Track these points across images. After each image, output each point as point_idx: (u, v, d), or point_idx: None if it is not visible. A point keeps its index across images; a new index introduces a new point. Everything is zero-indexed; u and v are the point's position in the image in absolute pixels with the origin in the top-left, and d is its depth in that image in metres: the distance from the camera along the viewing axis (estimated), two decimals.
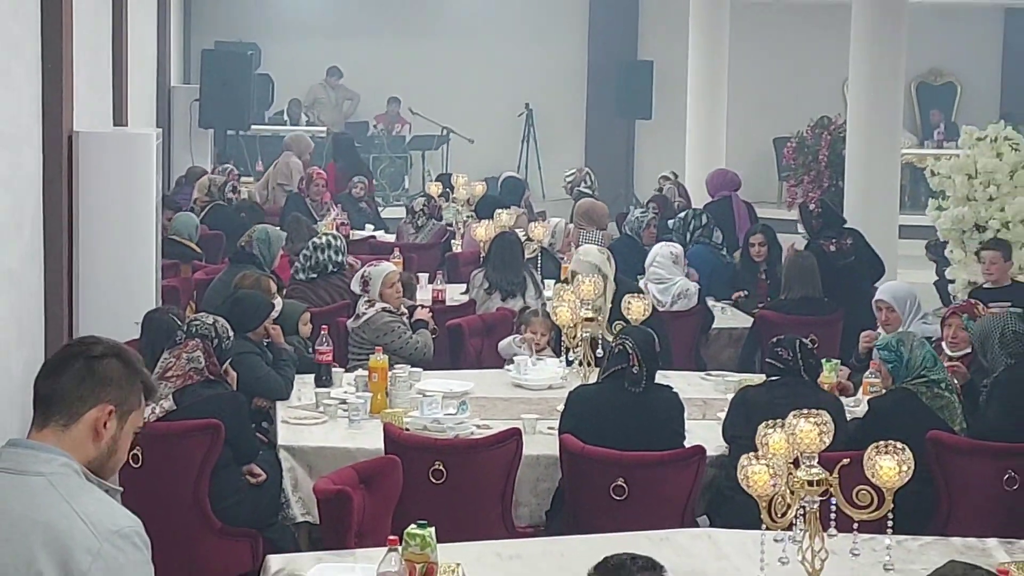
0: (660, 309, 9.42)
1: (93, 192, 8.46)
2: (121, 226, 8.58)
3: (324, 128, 20.86)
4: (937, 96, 22.32)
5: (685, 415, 6.83)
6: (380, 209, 16.37)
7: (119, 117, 11.41)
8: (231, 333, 6.90)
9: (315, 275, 9.84)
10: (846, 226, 10.80)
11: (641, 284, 9.87)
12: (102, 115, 10.52)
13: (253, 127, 19.08)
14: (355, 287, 8.91)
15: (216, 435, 6.45)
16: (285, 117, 21.14)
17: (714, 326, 10.20)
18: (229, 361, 6.89)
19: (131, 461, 6.42)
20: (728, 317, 10.53)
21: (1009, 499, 6.54)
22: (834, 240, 10.53)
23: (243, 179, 16.38)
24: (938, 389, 6.80)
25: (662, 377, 6.97)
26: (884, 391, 7.05)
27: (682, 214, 11.92)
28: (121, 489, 3.46)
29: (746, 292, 10.96)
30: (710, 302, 10.41)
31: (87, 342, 3.36)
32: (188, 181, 15.01)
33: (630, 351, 6.65)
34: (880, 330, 8.50)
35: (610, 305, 8.47)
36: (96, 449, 3.29)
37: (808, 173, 15.30)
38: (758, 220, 13.38)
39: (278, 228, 10.98)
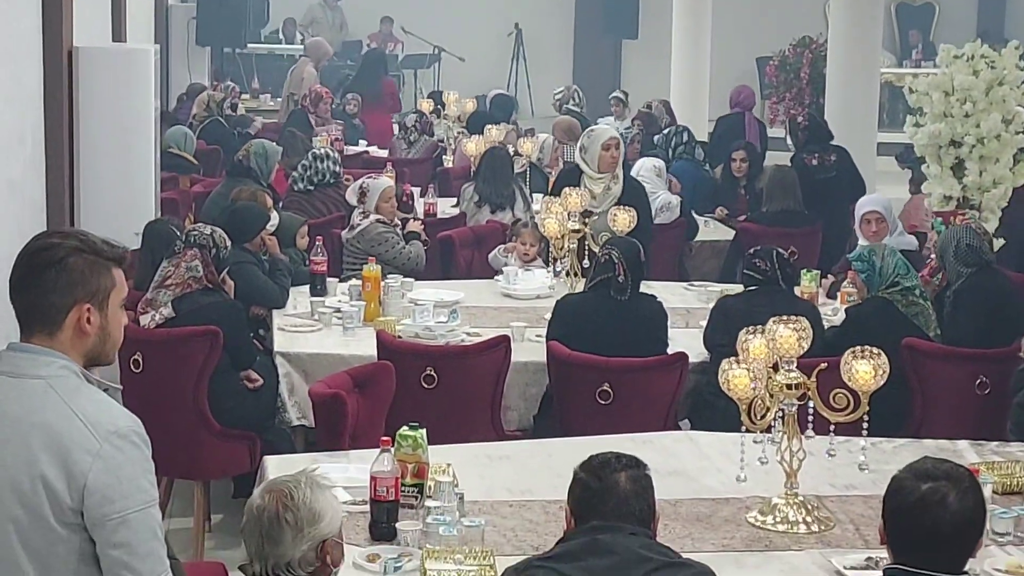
0: None
1: (93, 106, 8.40)
2: (121, 139, 8.54)
3: None
4: (915, 16, 22.20)
5: (668, 323, 6.84)
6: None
7: (118, 33, 11.31)
8: (228, 243, 6.87)
9: (312, 186, 9.82)
10: (832, 143, 10.74)
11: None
12: (101, 31, 10.43)
13: (249, 45, 18.94)
14: (351, 198, 8.88)
15: (215, 341, 6.45)
16: (280, 36, 20.97)
17: (696, 238, 10.20)
18: (227, 271, 6.87)
19: (132, 366, 6.44)
20: (710, 230, 10.53)
21: (980, 403, 6.57)
22: (817, 155, 10.49)
23: (241, 96, 16.27)
24: (912, 296, 6.81)
25: (646, 287, 6.97)
26: (861, 300, 7.05)
27: (666, 130, 11.88)
28: (120, 387, 3.45)
29: (727, 211, 10.94)
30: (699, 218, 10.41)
31: (44, 247, 3.24)
32: (189, 97, 14.91)
33: (616, 261, 6.65)
34: (862, 242, 8.47)
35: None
36: (88, 343, 3.26)
37: (790, 91, 15.26)
38: (767, 139, 13.42)
39: (275, 143, 10.93)
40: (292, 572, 3.55)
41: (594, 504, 3.66)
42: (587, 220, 7.96)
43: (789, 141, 11.54)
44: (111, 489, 3.12)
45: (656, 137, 11.97)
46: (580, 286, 7.29)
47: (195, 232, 6.83)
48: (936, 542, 3.39)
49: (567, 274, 7.71)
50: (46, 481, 3.13)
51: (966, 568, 3.46)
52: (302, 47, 20.70)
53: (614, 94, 15.29)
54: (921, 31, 21.85)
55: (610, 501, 3.63)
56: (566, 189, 8.21)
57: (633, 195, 8.47)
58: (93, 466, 3.12)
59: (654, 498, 3.69)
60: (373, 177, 9.06)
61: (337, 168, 9.95)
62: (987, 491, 4.68)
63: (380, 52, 18.14)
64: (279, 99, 18.66)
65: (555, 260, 7.91)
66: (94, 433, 3.14)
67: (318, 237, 8.21)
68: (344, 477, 4.87)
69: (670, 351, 6.62)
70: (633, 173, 10.28)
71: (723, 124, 13.86)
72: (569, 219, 7.74)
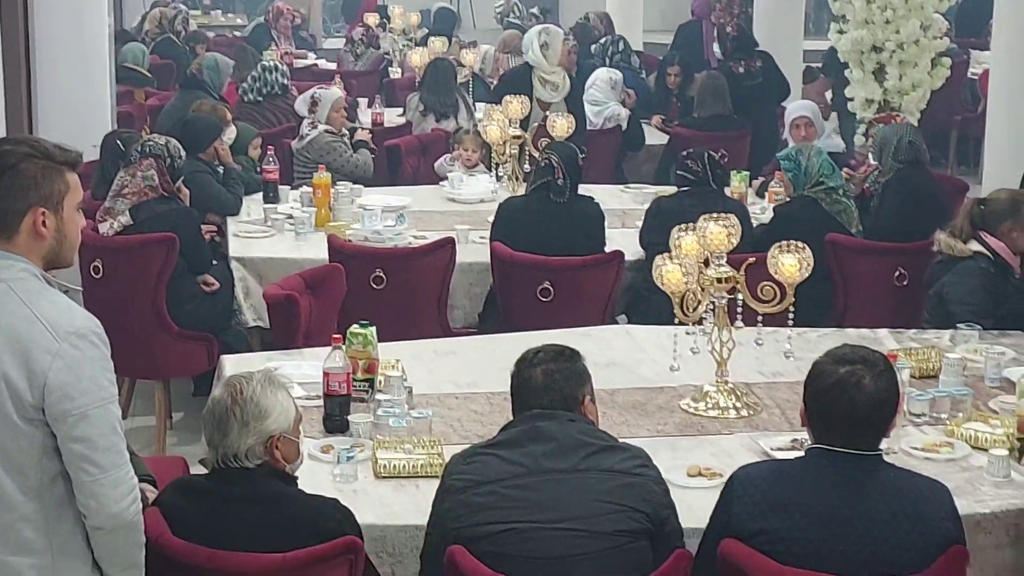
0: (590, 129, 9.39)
1: (47, 23, 8.28)
2: (76, 55, 8.43)
3: None
4: None
5: (606, 224, 6.85)
6: (324, 39, 16.11)
7: None
8: (183, 153, 6.79)
9: (261, 97, 9.72)
10: (758, 49, 10.72)
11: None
12: None
13: None
14: (300, 108, 8.78)
15: (172, 247, 6.40)
16: None
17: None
18: (182, 179, 6.79)
19: (92, 272, 6.39)
20: (646, 134, 10.51)
21: (899, 293, 6.64)
22: (743, 62, 10.45)
23: (191, 12, 16.01)
24: (836, 195, 6.85)
25: (585, 190, 6.96)
26: (788, 199, 7.08)
27: (602, 40, 11.79)
28: (80, 288, 3.43)
29: (663, 116, 10.92)
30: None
31: None
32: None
33: (555, 164, 6.64)
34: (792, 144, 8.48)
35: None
36: (45, 246, 3.23)
37: (720, 1, 15.15)
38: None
39: (226, 57, 10.80)
40: (239, 462, 3.57)
41: (515, 396, 3.70)
42: (546, 112, 8.00)
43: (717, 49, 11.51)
44: (70, 387, 3.12)
45: (593, 47, 11.89)
46: (522, 190, 7.27)
47: (150, 142, 6.74)
48: (852, 422, 3.44)
49: (509, 178, 7.70)
50: (8, 379, 3.11)
51: (882, 446, 3.51)
52: None
53: (531, 10, 15.16)
54: None
55: (525, 394, 3.67)
56: (507, 97, 8.17)
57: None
58: (53, 365, 3.11)
59: (579, 387, 3.70)
60: (324, 87, 8.97)
61: (285, 80, 9.85)
62: (905, 375, 4.76)
63: None
64: (230, 15, 18.44)
65: (497, 165, 7.88)
66: (54, 333, 3.13)
67: (269, 147, 8.14)
68: (299, 374, 4.88)
69: (607, 250, 6.63)
70: (589, 82, 10.21)
71: (683, 32, 13.84)
72: (510, 126, 7.70)
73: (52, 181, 3.21)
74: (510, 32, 13.07)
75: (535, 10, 15.17)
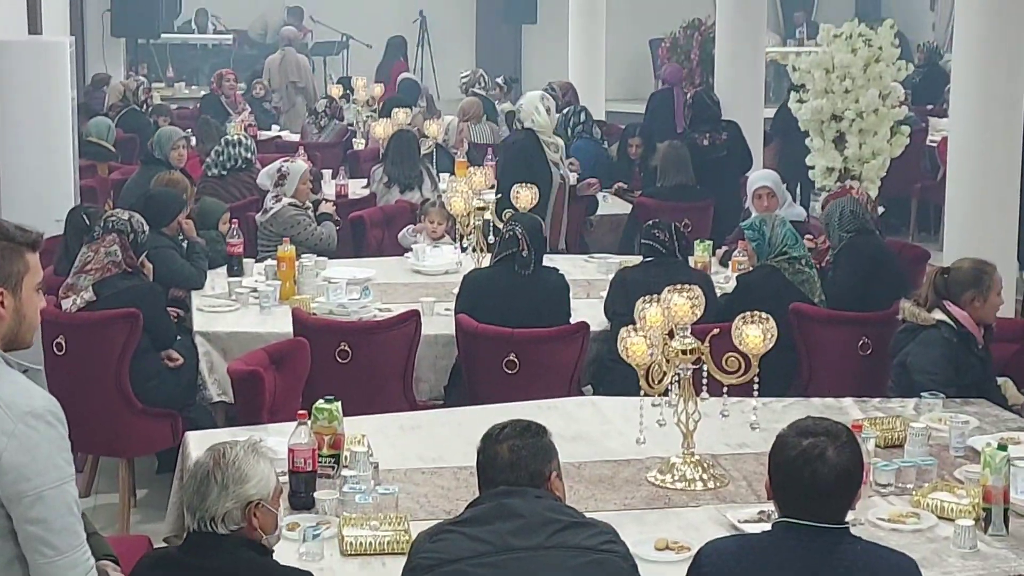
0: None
1: (11, 98, 8.30)
2: (39, 130, 8.44)
3: (230, 36, 20.54)
4: None
5: (571, 295, 6.87)
6: (287, 111, 16.17)
7: (34, 26, 11.10)
8: (146, 228, 6.78)
9: (225, 171, 9.71)
10: (724, 120, 10.76)
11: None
12: (17, 24, 10.26)
13: (163, 35, 18.70)
14: (264, 182, 8.77)
15: (135, 323, 6.38)
16: (193, 26, 20.74)
17: (597, 213, 10.22)
18: (145, 254, 6.79)
19: (55, 349, 6.35)
20: (609, 204, 10.57)
21: (863, 363, 6.66)
22: (708, 134, 10.49)
23: (154, 85, 16.07)
24: (799, 265, 6.89)
25: (549, 261, 6.98)
26: (751, 268, 7.12)
27: (564, 111, 11.86)
28: (40, 368, 3.41)
29: (625, 184, 10.99)
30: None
31: None
32: (96, 86, 14.71)
33: (519, 236, 6.66)
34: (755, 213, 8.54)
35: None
36: (3, 327, 3.21)
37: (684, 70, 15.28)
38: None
39: (173, 127, 10.80)
40: (215, 527, 3.57)
41: (481, 472, 3.70)
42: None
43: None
44: (26, 467, 3.10)
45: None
46: (486, 261, 7.29)
47: (113, 218, 6.74)
48: (817, 494, 3.44)
49: (473, 250, 7.71)
50: None
51: (848, 518, 3.51)
52: (215, 36, 20.55)
53: (496, 80, 15.27)
54: (805, 10, 22.01)
55: (491, 470, 3.66)
56: (470, 169, 8.21)
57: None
58: (8, 445, 3.09)
59: (546, 463, 3.69)
60: (290, 160, 8.97)
61: (249, 154, 9.83)
62: (870, 445, 4.78)
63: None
64: (194, 87, 18.48)
65: (462, 237, 7.90)
66: (9, 414, 3.11)
67: (234, 220, 8.15)
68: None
69: (573, 321, 6.64)
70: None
71: (655, 99, 13.98)
72: (474, 197, 7.73)
73: (11, 262, 3.21)
74: (469, 100, 13.16)
75: (500, 80, 15.26)
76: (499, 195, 7.95)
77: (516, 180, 8.20)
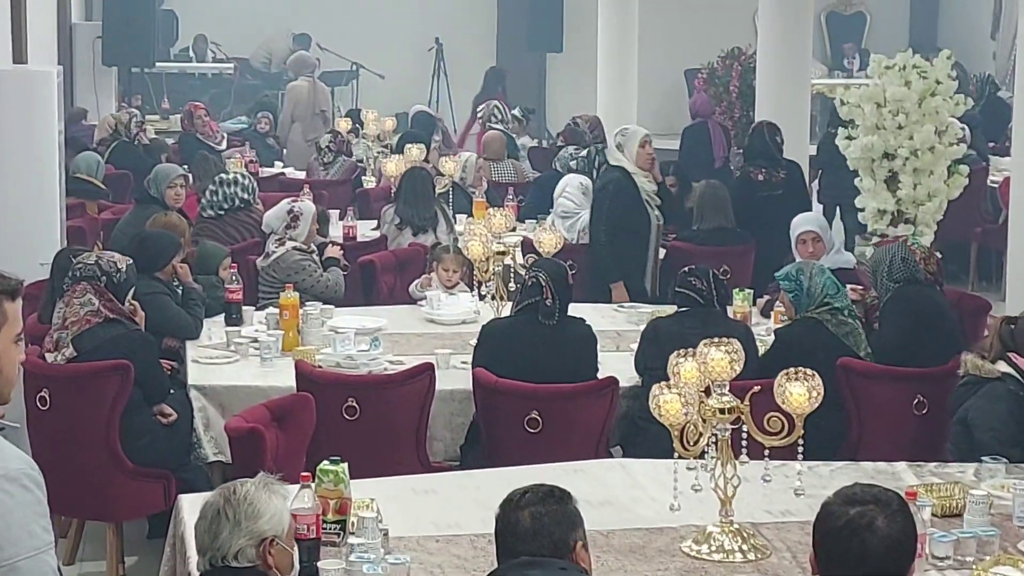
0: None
1: None
2: (23, 166, 8.48)
3: (231, 64, 20.65)
4: (847, 25, 22.40)
5: (598, 347, 6.87)
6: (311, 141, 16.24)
7: (19, 54, 11.21)
8: (121, 266, 6.73)
9: (222, 212, 9.73)
10: (785, 158, 10.69)
11: (548, 221, 9.88)
12: (0, 52, 10.34)
13: (158, 64, 18.81)
14: (273, 223, 8.77)
15: (125, 376, 6.40)
16: (191, 53, 20.87)
17: None
18: (134, 297, 6.78)
19: (38, 403, 6.38)
20: None
21: (918, 423, 6.64)
22: (764, 169, 10.41)
23: (148, 117, 16.16)
24: (842, 316, 6.87)
25: (574, 310, 6.99)
26: (790, 321, 7.11)
27: (584, 151, 11.87)
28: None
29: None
30: None
31: None
32: (72, 120, 14.78)
33: (543, 284, 6.67)
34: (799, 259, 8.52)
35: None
36: None
37: (719, 104, 15.34)
38: (731, 142, 13.61)
39: (170, 163, 10.84)
40: (228, 564, 3.60)
41: (500, 541, 3.69)
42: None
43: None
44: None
45: (573, 161, 11.85)
46: (506, 310, 7.31)
47: (79, 266, 6.70)
48: (865, 568, 3.43)
49: (493, 298, 7.72)
50: None
51: None
52: (215, 65, 20.67)
53: (512, 112, 15.35)
54: (853, 40, 22.06)
55: (511, 539, 3.65)
56: (489, 210, 8.24)
57: None
58: None
59: (571, 531, 3.69)
60: (296, 200, 9.00)
61: (246, 195, 9.81)
62: (925, 514, 4.76)
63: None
64: None
65: (480, 284, 7.93)
66: None
67: (232, 264, 8.18)
68: None
69: (600, 376, 6.65)
70: (558, 191, 10.31)
71: (689, 135, 14.03)
72: (493, 241, 7.75)
73: None
74: (492, 134, 13.21)
75: (516, 112, 15.31)
76: (599, 240, 7.96)
77: (612, 224, 8.22)
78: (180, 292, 7.71)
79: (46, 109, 8.65)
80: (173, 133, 16.58)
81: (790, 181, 10.38)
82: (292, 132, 16.07)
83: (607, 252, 8.86)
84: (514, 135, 14.64)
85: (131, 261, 6.84)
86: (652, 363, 6.53)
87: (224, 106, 19.80)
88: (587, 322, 6.89)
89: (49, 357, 6.53)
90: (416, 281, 8.82)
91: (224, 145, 13.82)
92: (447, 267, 8.57)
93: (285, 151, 15.55)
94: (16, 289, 3.29)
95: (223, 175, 10.06)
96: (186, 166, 11.46)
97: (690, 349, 4.82)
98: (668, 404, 4.68)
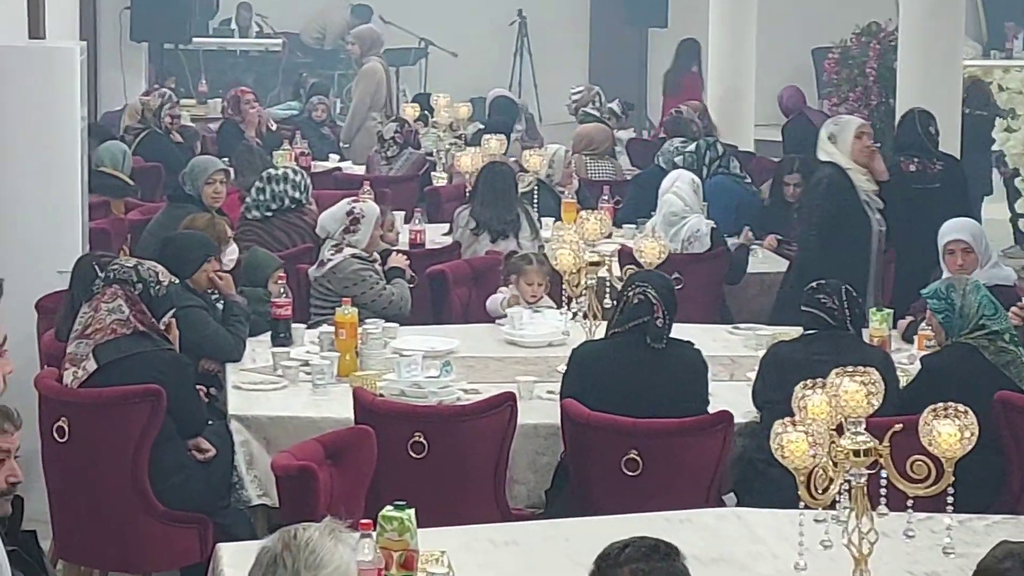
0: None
1: (6, 116, 8.43)
2: (40, 157, 8.55)
3: (279, 40, 20.77)
4: None
5: (709, 375, 6.86)
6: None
7: (35, 29, 11.34)
8: (162, 278, 6.80)
9: (270, 213, 9.79)
10: (941, 151, 10.55)
11: (649, 225, 9.86)
12: (15, 26, 10.47)
13: (195, 40, 18.99)
14: (329, 226, 8.82)
15: (156, 403, 6.45)
16: (233, 26, 21.03)
17: (745, 271, 10.19)
18: (172, 314, 6.84)
19: (56, 434, 6.45)
20: (759, 260, 10.54)
21: None
22: (917, 159, 10.30)
23: (183, 102, 16.30)
24: (1002, 342, 6.80)
25: (679, 331, 6.98)
26: (939, 347, 7.06)
27: (691, 146, 11.85)
28: None
29: (780, 236, 10.95)
30: (735, 242, 10.37)
31: None
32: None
33: (654, 301, 6.66)
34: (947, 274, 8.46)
35: None
36: None
37: (854, 89, 15.26)
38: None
39: (208, 156, 10.92)
40: None
41: None
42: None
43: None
44: None
45: (677, 157, 11.83)
46: (601, 331, 7.30)
47: (115, 266, 6.80)
48: None
49: (585, 316, 7.72)
50: None
51: None
52: (260, 41, 20.81)
53: (609, 104, 15.32)
54: (1014, 19, 21.83)
55: None
56: (582, 213, 8.24)
57: None
58: None
59: None
60: (357, 200, 9.04)
61: (297, 193, 9.86)
62: None
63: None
64: None
65: (570, 300, 7.92)
66: None
67: (281, 275, 8.22)
68: None
69: (711, 409, 6.63)
70: (664, 189, 10.26)
71: (791, 132, 14.04)
72: (586, 249, 7.75)
73: None
74: (592, 126, 13.19)
75: (615, 105, 15.27)
76: (809, 247, 7.97)
77: (825, 229, 8.26)
78: (220, 307, 7.76)
79: (67, 91, 8.72)
80: (211, 120, 16.72)
81: (948, 175, 10.23)
82: (367, 123, 15.97)
83: (818, 263, 8.74)
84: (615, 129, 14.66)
85: (176, 280, 6.91)
86: (773, 395, 6.50)
87: (271, 88, 19.92)
88: (695, 346, 6.88)
89: (66, 377, 6.58)
90: (498, 297, 8.78)
91: (296, 148, 13.84)
92: (530, 280, 8.58)
93: (349, 146, 15.56)
94: None
95: (271, 171, 10.12)
96: (226, 159, 11.55)
97: (819, 379, 4.81)
98: (792, 444, 4.66)
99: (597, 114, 14.52)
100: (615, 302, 7.02)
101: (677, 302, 6.86)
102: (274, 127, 14.24)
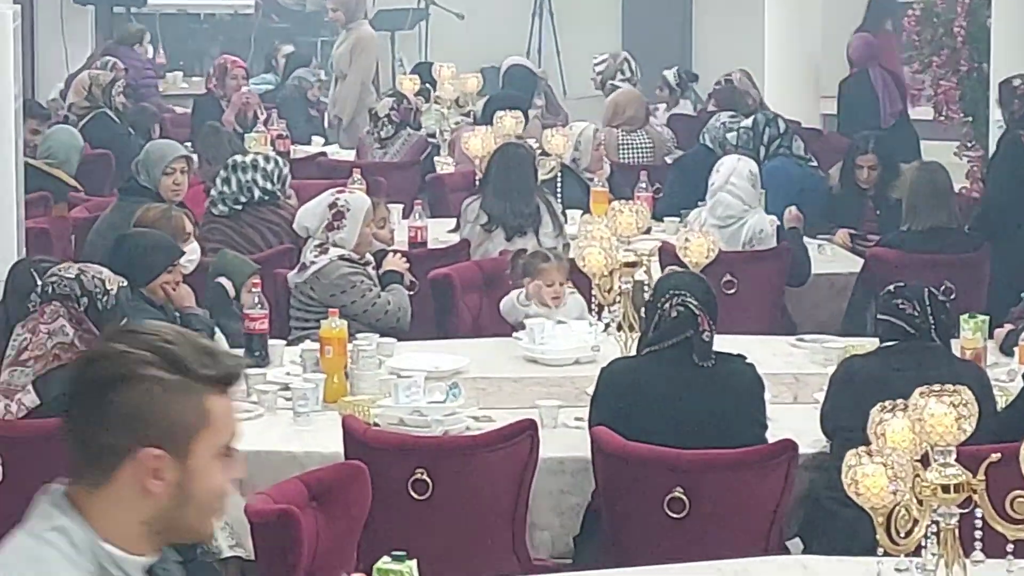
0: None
1: None
2: None
3: (251, 1, 20.79)
4: None
5: (768, 396, 6.86)
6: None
7: None
8: (110, 285, 6.78)
9: (238, 207, 9.79)
10: None
11: (693, 217, 9.87)
12: None
13: (150, 3, 19.03)
14: (308, 222, 8.83)
15: None
16: None
17: (810, 271, 10.18)
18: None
19: None
20: (827, 257, 10.54)
21: None
22: None
23: None
24: None
25: (732, 343, 6.98)
26: None
27: (747, 121, 11.85)
28: None
29: (853, 230, 10.95)
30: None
31: None
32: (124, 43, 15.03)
33: (696, 312, 6.66)
34: None
35: None
36: (159, 505, 3.21)
37: (939, 52, 15.25)
38: (904, 99, 13.64)
39: (167, 140, 10.93)
40: None
41: None
42: None
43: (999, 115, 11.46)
44: None
45: (730, 133, 11.86)
46: (635, 344, 7.31)
47: (54, 278, 6.77)
48: None
49: (619, 327, 7.73)
50: None
51: None
52: (227, 2, 20.81)
53: (665, 73, 15.30)
54: None
55: None
56: (614, 203, 8.23)
57: None
58: None
59: None
60: (342, 191, 9.03)
61: (269, 184, 9.87)
62: None
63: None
64: (196, 78, 18.74)
65: (601, 308, 7.93)
66: None
67: (255, 282, 8.22)
68: None
69: (771, 438, 6.64)
70: (715, 185, 10.18)
71: (847, 91, 14.12)
72: (621, 247, 7.76)
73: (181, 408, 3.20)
74: (618, 92, 13.18)
75: (670, 74, 15.23)
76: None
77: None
78: (178, 320, 7.76)
79: None
80: (170, 96, 16.74)
81: None
82: (362, 102, 15.96)
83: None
84: (662, 105, 14.67)
85: (124, 283, 6.89)
86: (845, 421, 6.50)
87: (242, 57, 19.92)
88: (748, 360, 6.88)
89: None
90: (514, 295, 8.71)
91: (271, 131, 13.82)
92: (550, 279, 8.53)
93: (348, 129, 15.57)
94: (233, 374, 3.28)
95: (237, 157, 10.10)
96: (190, 144, 11.58)
97: (899, 400, 4.81)
98: (869, 479, 4.67)
99: (626, 87, 14.54)
100: (647, 314, 6.98)
101: (717, 306, 6.85)
102: (262, 116, 14.11)
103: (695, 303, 6.68)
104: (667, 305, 6.75)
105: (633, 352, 7.28)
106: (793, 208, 10.48)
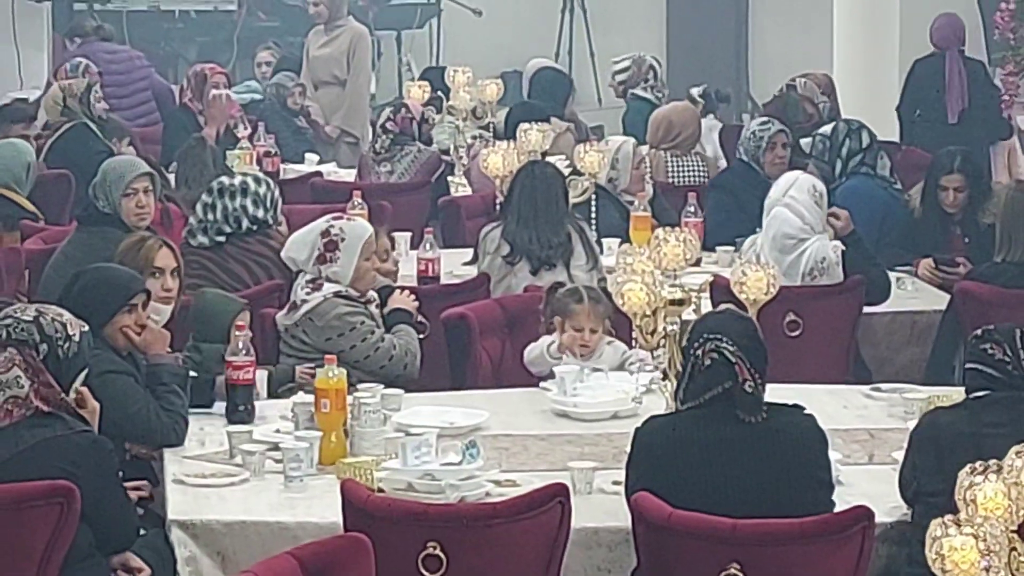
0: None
1: None
2: None
3: None
4: None
5: (837, 456, 6.85)
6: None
7: None
8: (71, 330, 6.79)
9: (221, 237, 9.81)
10: None
11: (748, 245, 9.88)
12: None
13: None
14: (297, 254, 8.83)
15: (67, 505, 6.46)
16: None
17: (887, 308, 10.18)
18: (84, 378, 6.85)
19: None
20: (908, 293, 10.54)
21: None
22: None
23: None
24: None
25: (795, 393, 6.97)
26: None
27: (826, 128, 11.86)
28: None
29: (937, 259, 10.95)
30: None
31: None
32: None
33: (732, 359, 6.65)
34: None
35: None
36: None
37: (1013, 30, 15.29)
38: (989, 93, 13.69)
39: (126, 156, 10.95)
40: None
41: None
42: None
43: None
44: None
45: (805, 141, 11.88)
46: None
47: (8, 320, 6.78)
48: None
49: (664, 376, 7.74)
50: None
51: None
52: (208, 0, 20.84)
53: (692, 90, 15.27)
54: None
55: None
56: (659, 231, 8.24)
57: None
58: None
59: None
60: (339, 217, 9.02)
61: (261, 211, 9.89)
62: None
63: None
64: (171, 85, 18.80)
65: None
66: None
67: (238, 323, 8.23)
68: None
69: (839, 504, 6.64)
70: (773, 196, 10.15)
71: (918, 73, 14.29)
72: (665, 283, 7.76)
73: None
74: (670, 108, 13.20)
75: (696, 91, 15.19)
76: None
77: None
78: (144, 368, 7.75)
79: None
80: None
81: None
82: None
83: None
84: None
85: (86, 328, 6.89)
86: (929, 484, 6.51)
87: (223, 63, 19.97)
88: (807, 411, 6.87)
89: None
90: (541, 343, 8.72)
91: (258, 148, 13.82)
92: (579, 324, 8.54)
93: (357, 142, 15.62)
94: None
95: (223, 180, 10.10)
96: (163, 164, 11.60)
97: (992, 461, 4.81)
98: (957, 552, 4.68)
99: (651, 97, 14.55)
100: (683, 363, 6.96)
101: (766, 350, 6.82)
102: (244, 132, 14.06)
103: (731, 349, 6.66)
104: (699, 352, 6.75)
105: (675, 407, 7.28)
106: (841, 210, 10.36)
